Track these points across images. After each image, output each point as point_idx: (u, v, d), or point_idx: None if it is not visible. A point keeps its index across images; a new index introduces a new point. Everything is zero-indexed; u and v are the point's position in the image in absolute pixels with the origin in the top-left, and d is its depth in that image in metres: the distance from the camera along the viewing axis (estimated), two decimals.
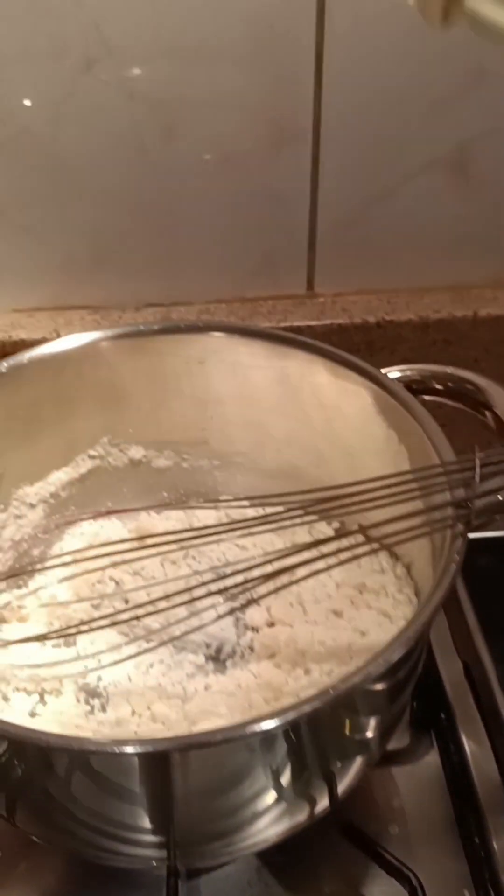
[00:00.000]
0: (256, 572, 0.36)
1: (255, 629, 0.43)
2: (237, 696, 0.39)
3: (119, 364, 0.46)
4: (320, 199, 0.53)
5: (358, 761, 0.34)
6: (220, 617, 0.39)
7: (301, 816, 0.34)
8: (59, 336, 0.54)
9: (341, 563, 0.35)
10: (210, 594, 0.37)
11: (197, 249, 0.55)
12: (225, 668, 0.42)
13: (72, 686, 0.41)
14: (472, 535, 0.33)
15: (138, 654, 0.39)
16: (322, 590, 0.43)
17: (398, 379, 0.41)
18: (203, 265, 0.55)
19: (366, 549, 0.36)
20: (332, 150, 0.52)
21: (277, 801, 0.32)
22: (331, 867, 0.39)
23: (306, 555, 0.36)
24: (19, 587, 0.45)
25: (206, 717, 0.38)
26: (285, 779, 0.32)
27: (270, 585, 0.37)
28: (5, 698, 0.41)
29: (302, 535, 0.45)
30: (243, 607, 0.41)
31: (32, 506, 0.47)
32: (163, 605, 0.39)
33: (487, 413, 0.39)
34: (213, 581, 0.37)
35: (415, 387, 0.41)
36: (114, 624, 0.39)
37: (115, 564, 0.44)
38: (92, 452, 0.48)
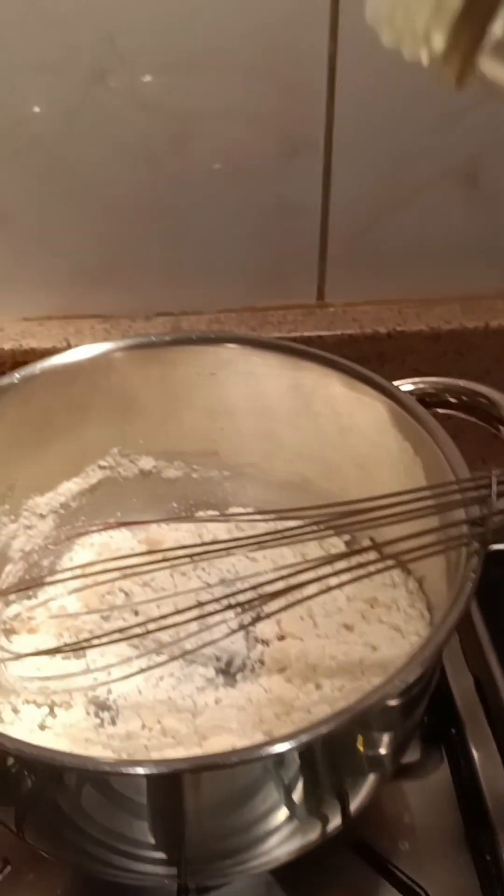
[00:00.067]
0: (268, 588, 0.36)
1: (265, 642, 0.43)
2: (248, 711, 0.39)
3: (130, 375, 0.45)
4: (332, 209, 0.53)
5: (371, 779, 0.34)
6: (232, 632, 0.39)
7: (313, 835, 0.33)
8: (69, 345, 0.54)
9: (354, 580, 0.35)
10: (222, 610, 0.37)
11: (207, 259, 0.55)
12: (235, 682, 0.42)
13: (82, 699, 0.41)
14: None
15: (149, 668, 0.39)
16: (333, 603, 0.43)
17: (411, 392, 0.40)
18: (213, 275, 0.55)
19: (379, 566, 0.36)
20: (343, 161, 0.51)
21: (290, 819, 0.32)
22: (341, 884, 0.39)
23: (320, 571, 0.36)
24: (29, 598, 0.45)
25: (216, 733, 0.38)
26: (298, 797, 0.31)
27: (282, 602, 0.37)
28: (15, 710, 0.41)
29: (313, 549, 0.45)
30: (254, 622, 0.40)
31: (42, 516, 0.46)
32: (174, 619, 0.38)
33: (501, 427, 0.39)
34: (224, 597, 0.37)
35: (428, 399, 0.40)
36: (126, 638, 0.39)
37: (125, 576, 0.44)
38: (102, 463, 0.48)
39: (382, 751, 0.33)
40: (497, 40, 0.24)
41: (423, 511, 0.33)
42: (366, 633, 0.41)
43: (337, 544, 0.45)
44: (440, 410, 0.40)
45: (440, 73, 0.26)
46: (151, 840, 0.34)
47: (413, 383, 0.41)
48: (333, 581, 0.36)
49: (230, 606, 0.37)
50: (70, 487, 0.47)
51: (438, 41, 0.25)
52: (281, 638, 0.43)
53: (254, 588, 0.38)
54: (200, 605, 0.43)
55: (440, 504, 0.33)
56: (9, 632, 0.43)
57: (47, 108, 0.49)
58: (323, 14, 0.47)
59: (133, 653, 0.41)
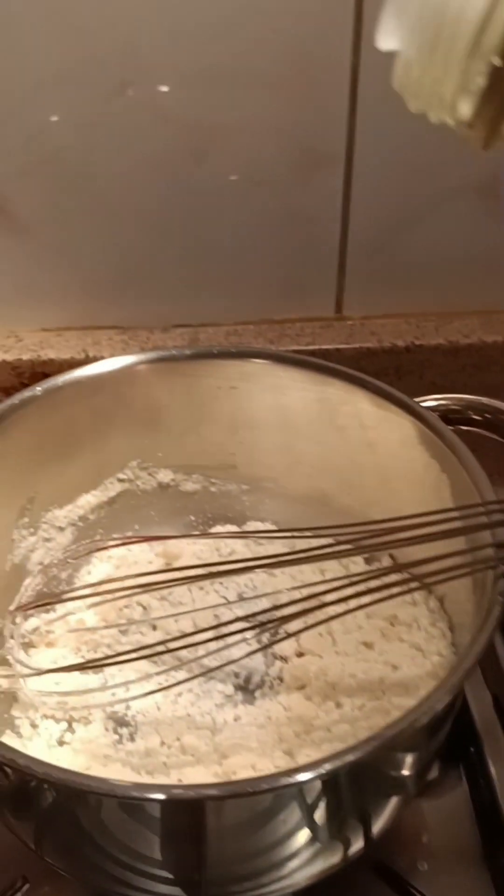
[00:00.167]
0: (289, 610, 0.36)
1: (283, 659, 0.43)
2: (267, 729, 0.39)
3: (151, 388, 0.45)
4: (351, 222, 0.53)
5: (395, 801, 0.33)
6: (252, 652, 0.39)
7: (335, 858, 0.33)
8: (87, 356, 0.54)
9: (377, 601, 0.35)
10: (242, 630, 0.37)
11: (226, 271, 0.55)
12: (254, 699, 0.41)
13: (100, 714, 0.41)
14: None
15: (169, 686, 0.39)
16: (352, 620, 0.43)
17: (434, 408, 0.40)
18: (232, 287, 0.55)
19: (403, 588, 0.36)
20: (364, 174, 0.51)
21: (311, 842, 0.32)
22: None
23: (342, 591, 0.35)
24: (47, 612, 0.44)
25: (236, 751, 0.38)
26: (321, 820, 0.31)
27: (301, 623, 0.36)
28: (33, 725, 0.41)
29: (332, 565, 0.44)
30: (275, 643, 0.40)
31: (61, 529, 0.46)
32: (194, 639, 0.38)
33: None
34: (245, 617, 0.37)
35: (451, 416, 0.40)
36: (147, 657, 0.39)
37: (144, 591, 0.44)
38: (121, 476, 0.48)
39: (406, 772, 0.32)
40: None
41: (449, 533, 0.33)
42: (386, 652, 0.41)
43: (356, 560, 0.45)
44: (463, 427, 0.40)
45: (467, 136, 0.26)
46: (171, 861, 0.33)
47: (435, 400, 0.40)
48: (353, 604, 0.36)
49: (251, 627, 0.37)
50: (89, 500, 0.47)
51: (465, 110, 0.26)
52: (300, 655, 0.43)
53: (274, 608, 0.38)
54: (219, 622, 0.43)
55: (466, 526, 0.33)
56: (27, 645, 0.43)
57: (68, 120, 0.49)
58: (346, 28, 0.47)
59: (152, 669, 0.41)
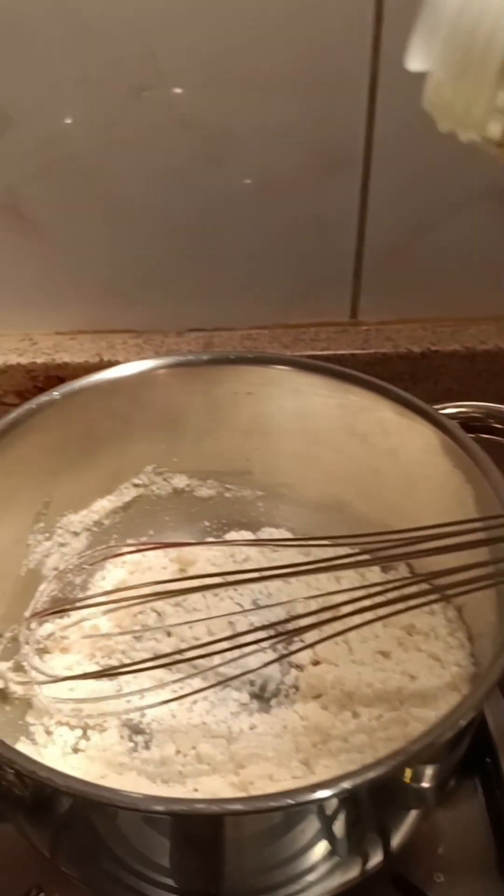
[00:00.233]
0: (307, 620, 0.36)
1: (299, 667, 0.42)
2: (284, 739, 0.39)
3: (168, 393, 0.45)
4: (368, 227, 0.53)
5: (414, 814, 0.33)
6: (269, 662, 0.38)
7: (353, 872, 0.33)
8: (102, 359, 0.54)
9: (396, 613, 0.35)
10: (259, 641, 0.37)
11: (241, 275, 0.54)
12: (269, 707, 0.41)
13: (115, 721, 0.40)
14: None
15: (186, 695, 0.39)
16: (368, 629, 0.42)
17: (454, 415, 0.40)
18: (247, 291, 0.55)
19: (422, 600, 0.35)
20: (381, 179, 0.51)
21: (330, 855, 0.32)
22: None
23: (361, 603, 0.35)
24: (62, 617, 0.44)
25: (253, 761, 0.37)
26: (340, 834, 0.31)
27: (317, 634, 0.36)
28: (48, 732, 0.40)
29: (349, 573, 0.44)
30: (292, 654, 0.40)
31: (76, 534, 0.46)
32: (210, 648, 0.38)
33: None
34: (262, 628, 0.37)
35: (472, 424, 0.40)
36: (164, 665, 0.39)
37: (158, 598, 0.43)
38: (136, 481, 0.48)
39: (426, 785, 0.32)
40: None
41: (471, 544, 0.33)
42: (403, 661, 0.41)
43: (373, 569, 0.44)
44: (484, 436, 0.40)
45: (496, 156, 0.27)
46: (188, 873, 0.33)
47: (456, 407, 0.40)
48: (372, 614, 0.35)
49: (268, 638, 0.36)
50: (104, 505, 0.47)
51: (496, 131, 0.26)
52: (315, 663, 0.42)
53: (291, 619, 0.38)
54: (234, 629, 0.43)
55: (490, 538, 0.33)
56: (42, 651, 0.43)
57: (85, 123, 0.49)
58: (366, 33, 0.46)
59: (168, 676, 0.41)
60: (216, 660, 0.40)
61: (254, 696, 0.42)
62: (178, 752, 0.39)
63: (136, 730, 0.40)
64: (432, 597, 0.35)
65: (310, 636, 0.39)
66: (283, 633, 0.37)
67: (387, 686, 0.39)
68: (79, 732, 0.40)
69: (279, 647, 0.41)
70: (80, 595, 0.46)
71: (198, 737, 0.39)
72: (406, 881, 0.38)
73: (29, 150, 0.49)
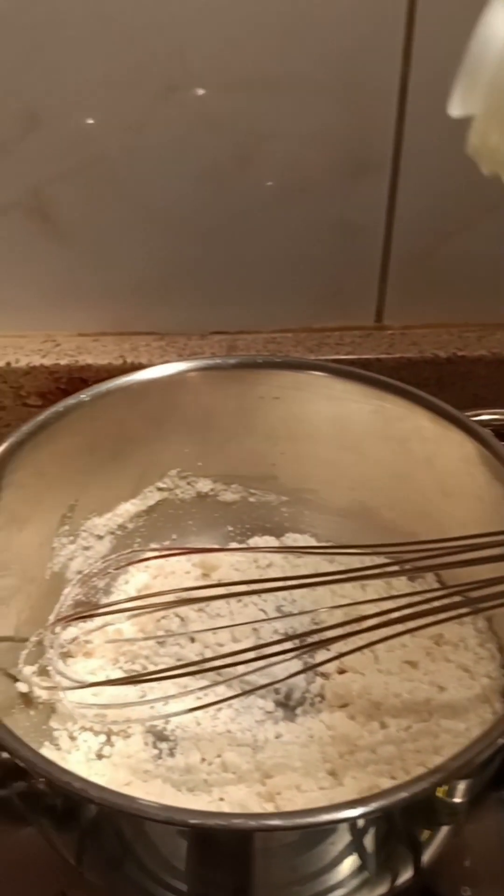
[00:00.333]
0: (334, 632, 0.35)
1: (324, 675, 0.42)
2: (310, 749, 0.38)
3: (194, 397, 0.45)
4: (395, 230, 0.52)
5: (447, 830, 0.33)
6: (296, 673, 0.38)
7: (383, 888, 0.33)
8: (125, 361, 0.54)
9: (425, 626, 0.34)
10: (285, 651, 0.36)
11: (266, 278, 0.54)
12: (295, 716, 0.41)
13: (139, 727, 0.40)
14: None
15: (212, 704, 0.38)
16: (395, 638, 0.42)
17: (487, 423, 0.39)
18: (271, 294, 0.55)
19: (452, 613, 0.35)
20: (410, 183, 0.50)
21: (360, 871, 0.31)
22: None
23: (389, 615, 0.35)
24: (85, 621, 0.44)
25: (280, 771, 0.37)
26: (371, 849, 0.31)
27: (344, 644, 0.36)
28: (72, 737, 0.40)
29: (375, 581, 0.44)
30: (321, 664, 0.39)
31: (100, 537, 0.46)
32: (237, 657, 0.37)
33: None
34: (287, 639, 0.36)
35: None
36: (190, 674, 0.38)
37: (182, 603, 0.43)
38: (161, 485, 0.47)
39: (459, 800, 0.31)
40: None
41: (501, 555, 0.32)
42: (431, 672, 0.40)
43: (400, 577, 0.44)
44: None
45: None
46: (216, 885, 0.33)
47: (490, 414, 0.40)
48: (401, 626, 0.35)
49: (295, 649, 0.36)
50: (128, 509, 0.47)
51: None
52: (341, 672, 0.42)
53: (318, 629, 0.37)
54: (258, 636, 0.43)
55: None
56: (65, 655, 0.43)
57: (113, 123, 0.48)
58: (397, 36, 0.46)
59: (192, 683, 0.40)
60: (242, 668, 0.39)
61: (279, 704, 0.41)
62: (203, 759, 0.39)
63: (160, 736, 0.40)
64: (463, 610, 0.35)
65: (337, 646, 0.38)
66: (311, 644, 0.36)
67: (415, 697, 0.39)
68: (102, 738, 0.40)
69: (305, 656, 0.40)
70: (104, 599, 0.46)
71: (223, 745, 0.39)
72: (431, 893, 0.37)
73: (56, 151, 0.49)
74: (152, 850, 0.32)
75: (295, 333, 0.56)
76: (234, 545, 0.49)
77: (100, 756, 0.39)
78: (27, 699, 0.40)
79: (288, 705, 0.41)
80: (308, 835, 0.30)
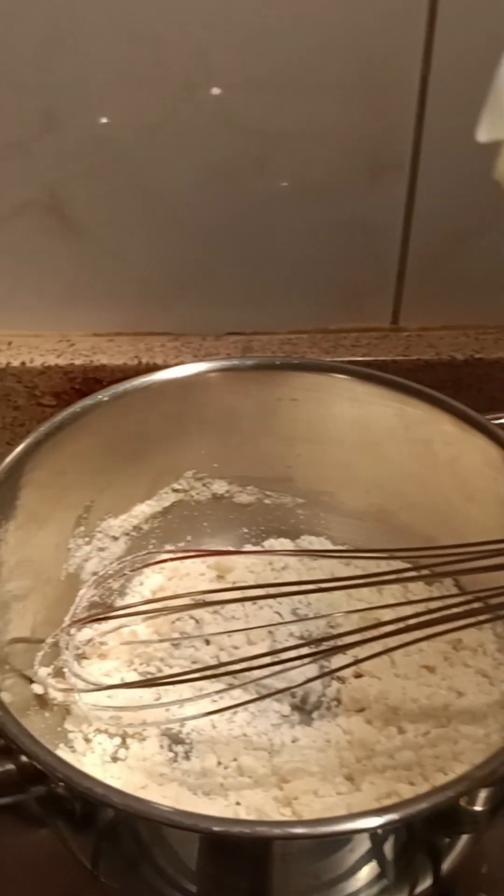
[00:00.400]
0: (351, 638, 0.35)
1: (340, 679, 0.42)
2: (328, 753, 0.38)
3: (211, 398, 0.45)
4: (413, 231, 0.52)
5: (467, 838, 0.32)
6: (312, 679, 0.38)
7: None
8: (140, 362, 0.53)
9: (445, 632, 0.34)
10: (302, 657, 0.36)
11: (282, 279, 0.54)
12: (311, 720, 0.40)
13: (154, 730, 0.40)
14: None
15: (228, 708, 0.38)
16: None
17: None
18: (287, 295, 0.54)
19: (471, 620, 0.34)
20: (429, 184, 0.50)
21: (378, 878, 0.31)
22: None
23: (408, 621, 0.34)
24: (100, 623, 0.44)
25: (297, 776, 0.37)
26: (391, 857, 0.30)
27: (360, 651, 0.35)
28: (87, 739, 0.40)
29: (391, 585, 0.43)
30: (339, 670, 0.39)
31: (115, 538, 0.46)
32: (253, 662, 0.37)
33: None
34: (306, 643, 0.36)
35: None
36: (207, 678, 0.38)
37: (198, 606, 0.43)
38: (176, 486, 0.47)
39: (480, 808, 0.31)
40: None
41: None
42: (449, 677, 0.40)
43: (421, 586, 0.43)
44: None
45: None
46: (232, 889, 0.33)
47: None
48: (420, 633, 0.35)
49: (311, 654, 0.36)
50: (143, 510, 0.46)
51: None
52: (357, 676, 0.42)
53: (335, 636, 0.37)
54: (274, 639, 0.43)
55: None
56: (80, 657, 0.43)
57: (130, 123, 0.48)
58: (417, 37, 0.46)
59: (208, 687, 0.40)
60: (258, 672, 0.39)
61: (295, 707, 0.41)
62: (219, 763, 0.38)
63: (175, 739, 0.40)
64: (482, 617, 0.34)
65: (354, 650, 0.38)
66: (329, 649, 0.36)
67: (433, 702, 0.39)
68: (118, 740, 0.40)
69: (322, 660, 0.40)
70: (119, 600, 0.46)
71: (239, 749, 0.39)
72: None
73: (73, 150, 0.49)
74: (169, 854, 0.32)
75: (310, 335, 0.55)
76: (249, 547, 0.48)
77: (115, 759, 0.39)
78: (42, 701, 0.40)
79: (304, 709, 0.41)
80: (327, 842, 0.29)
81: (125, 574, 0.45)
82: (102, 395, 0.42)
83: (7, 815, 0.39)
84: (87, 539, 0.44)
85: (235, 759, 0.38)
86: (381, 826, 0.26)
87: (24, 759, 0.30)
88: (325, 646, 0.37)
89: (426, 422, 0.41)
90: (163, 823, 0.27)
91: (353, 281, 0.54)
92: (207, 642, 0.44)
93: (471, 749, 0.36)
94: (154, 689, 0.41)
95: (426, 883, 0.33)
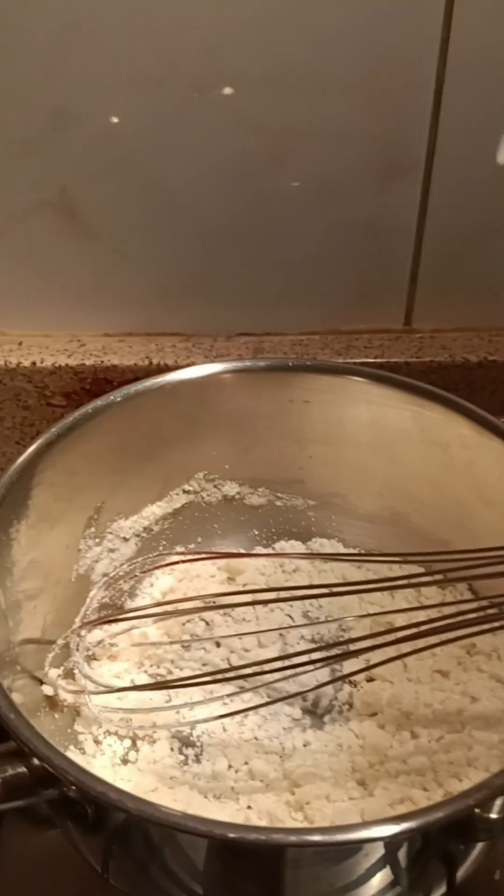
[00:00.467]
0: (364, 643, 0.35)
1: (353, 684, 0.41)
2: (339, 758, 0.38)
3: (223, 399, 0.44)
4: (426, 233, 0.51)
5: (481, 846, 0.32)
6: (325, 683, 0.38)
7: None
8: (150, 362, 0.53)
9: (459, 638, 0.34)
10: (314, 661, 0.36)
11: (294, 280, 0.53)
12: (322, 724, 0.40)
13: (165, 733, 0.40)
14: None
15: (239, 711, 0.38)
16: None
17: None
18: (299, 296, 0.54)
19: (486, 626, 0.34)
20: (443, 185, 0.50)
21: (392, 885, 0.31)
22: None
23: (420, 627, 0.34)
24: (110, 624, 0.44)
25: (309, 780, 0.36)
26: (405, 865, 0.30)
27: (372, 656, 0.35)
28: (97, 741, 0.40)
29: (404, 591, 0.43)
30: (351, 675, 0.39)
31: (125, 539, 0.46)
32: (265, 666, 0.37)
33: None
34: (317, 649, 0.36)
35: None
36: (218, 681, 0.38)
37: (209, 608, 0.43)
38: (187, 487, 0.47)
39: (495, 816, 0.31)
40: None
41: None
42: (463, 682, 0.39)
43: (434, 591, 0.43)
44: None
45: None
46: (243, 894, 0.32)
47: None
48: (435, 638, 0.34)
49: (324, 659, 0.35)
50: (154, 511, 0.46)
51: None
52: (370, 680, 0.41)
53: (346, 641, 0.36)
54: (284, 641, 0.43)
55: None
56: (90, 658, 0.42)
57: (143, 123, 0.48)
58: (433, 34, 0.45)
59: (219, 689, 0.40)
60: (269, 675, 0.39)
61: (306, 711, 0.41)
62: (229, 766, 0.38)
63: (186, 742, 0.40)
64: (496, 623, 0.34)
65: (366, 655, 0.38)
66: (341, 654, 0.36)
67: (446, 707, 0.38)
68: (128, 743, 0.40)
69: (336, 668, 0.40)
70: (129, 601, 0.45)
71: (250, 752, 0.39)
72: None
73: (85, 149, 0.49)
74: (179, 858, 0.32)
75: (322, 336, 0.55)
76: (259, 549, 0.48)
77: (125, 761, 0.39)
78: (52, 702, 0.40)
79: (315, 713, 0.41)
80: (341, 848, 0.29)
81: (135, 575, 0.45)
82: (115, 396, 0.41)
83: (17, 817, 0.39)
84: (97, 540, 0.44)
85: (246, 763, 0.38)
86: (397, 835, 0.25)
87: (36, 762, 0.29)
88: (336, 650, 0.37)
89: (443, 425, 0.41)
90: (177, 830, 0.26)
91: (365, 282, 0.54)
92: (218, 645, 0.43)
93: (485, 755, 0.35)
94: (164, 692, 0.41)
95: (440, 890, 0.32)
